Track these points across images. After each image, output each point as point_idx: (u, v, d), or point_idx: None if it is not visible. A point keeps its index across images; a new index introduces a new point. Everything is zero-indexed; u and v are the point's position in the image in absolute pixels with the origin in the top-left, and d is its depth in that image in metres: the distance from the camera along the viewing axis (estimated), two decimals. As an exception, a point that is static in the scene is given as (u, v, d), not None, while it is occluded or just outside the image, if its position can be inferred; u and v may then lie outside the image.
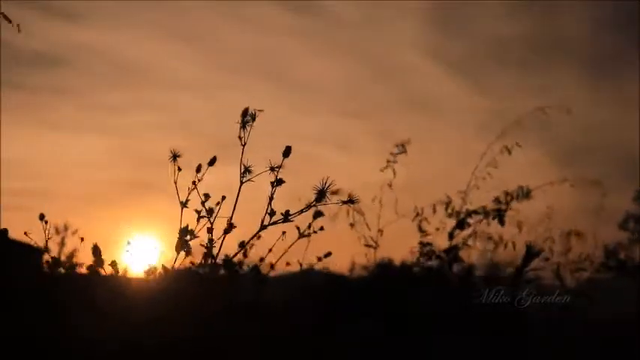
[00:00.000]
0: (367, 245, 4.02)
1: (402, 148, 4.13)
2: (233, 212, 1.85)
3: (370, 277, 4.40)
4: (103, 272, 1.85)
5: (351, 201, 1.69)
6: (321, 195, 1.68)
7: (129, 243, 1.94)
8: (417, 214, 4.00)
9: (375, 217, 4.03)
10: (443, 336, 3.48)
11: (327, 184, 1.66)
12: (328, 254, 2.49)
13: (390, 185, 4.09)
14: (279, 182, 1.79)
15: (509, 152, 4.07)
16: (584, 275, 4.25)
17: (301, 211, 1.74)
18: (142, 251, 1.94)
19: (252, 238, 1.87)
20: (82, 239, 2.00)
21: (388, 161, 4.13)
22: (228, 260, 1.89)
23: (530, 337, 3.67)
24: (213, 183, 1.90)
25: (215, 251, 1.90)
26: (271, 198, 1.80)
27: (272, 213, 1.81)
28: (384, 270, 4.33)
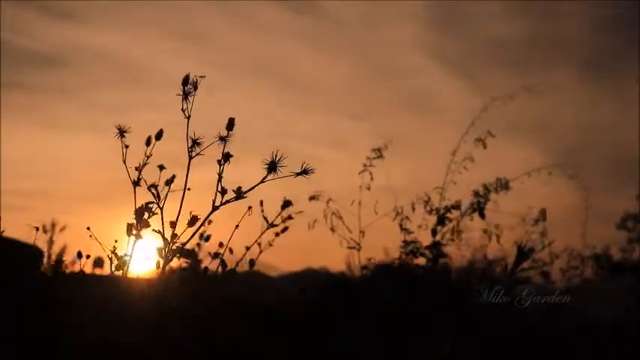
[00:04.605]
0: (350, 247, 4.02)
1: (379, 153, 4.13)
2: (184, 191, 1.75)
3: (369, 277, 4.40)
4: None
5: (305, 171, 1.59)
6: (272, 167, 1.59)
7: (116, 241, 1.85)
8: (398, 214, 3.99)
9: (356, 220, 4.02)
10: (442, 336, 3.48)
11: (277, 156, 1.58)
12: (285, 229, 2.49)
13: (368, 188, 4.08)
14: (226, 157, 1.68)
15: (484, 145, 4.01)
16: (575, 274, 4.25)
17: (254, 187, 1.65)
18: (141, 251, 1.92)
19: (204, 220, 1.76)
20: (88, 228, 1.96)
21: (365, 165, 4.13)
22: (182, 249, 1.74)
23: (530, 337, 3.67)
24: (210, 180, 1.85)
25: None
26: (220, 176, 1.69)
27: (223, 192, 1.70)
28: (382, 270, 4.33)
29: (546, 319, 3.78)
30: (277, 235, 2.57)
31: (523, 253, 3.44)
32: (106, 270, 1.87)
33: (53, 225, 5.18)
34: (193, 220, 1.89)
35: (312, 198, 4.03)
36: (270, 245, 2.61)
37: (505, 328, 3.58)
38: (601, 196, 4.25)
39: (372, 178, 4.11)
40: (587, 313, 4.24)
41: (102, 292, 2.00)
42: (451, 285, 3.98)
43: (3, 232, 2.07)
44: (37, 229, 1.93)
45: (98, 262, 2.81)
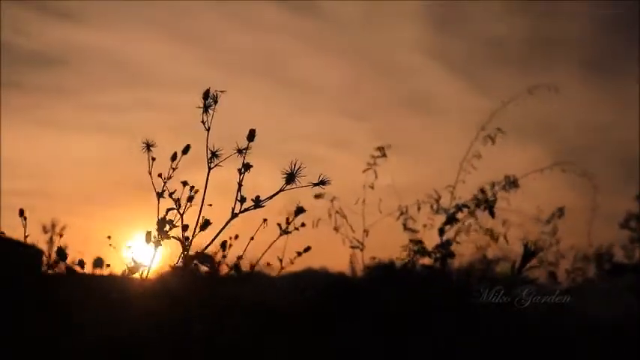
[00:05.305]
0: (353, 247, 4.01)
1: (382, 152, 4.15)
2: (203, 201, 1.79)
3: (369, 277, 4.40)
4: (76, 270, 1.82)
5: (322, 182, 1.63)
6: (290, 178, 1.62)
7: (129, 246, 1.89)
8: (402, 213, 3.98)
9: (360, 219, 4.01)
10: (442, 336, 3.49)
11: (296, 167, 1.61)
12: (307, 249, 2.51)
13: (371, 187, 4.09)
14: (246, 167, 1.72)
15: (493, 141, 3.99)
16: (579, 274, 4.25)
17: (272, 196, 1.68)
18: (143, 251, 1.92)
19: (223, 227, 1.79)
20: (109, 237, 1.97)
21: (369, 164, 4.14)
22: (201, 254, 1.80)
23: (530, 337, 3.68)
24: (220, 181, 1.86)
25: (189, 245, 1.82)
26: (240, 184, 1.74)
27: (242, 200, 1.74)
28: (384, 270, 4.32)
29: (546, 319, 3.78)
30: (299, 254, 2.58)
31: (530, 252, 3.43)
32: (106, 270, 1.87)
33: (53, 225, 5.17)
34: (206, 225, 1.94)
35: (317, 196, 4.04)
36: (292, 263, 2.64)
37: (505, 328, 3.58)
38: (603, 196, 4.23)
39: (376, 177, 4.12)
40: (587, 313, 4.24)
41: (102, 292, 2.00)
42: (451, 285, 3.98)
43: (3, 233, 2.08)
44: (46, 231, 1.94)
45: (98, 262, 2.81)
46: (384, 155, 4.14)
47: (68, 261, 1.83)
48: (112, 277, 1.88)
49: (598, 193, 4.14)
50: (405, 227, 3.97)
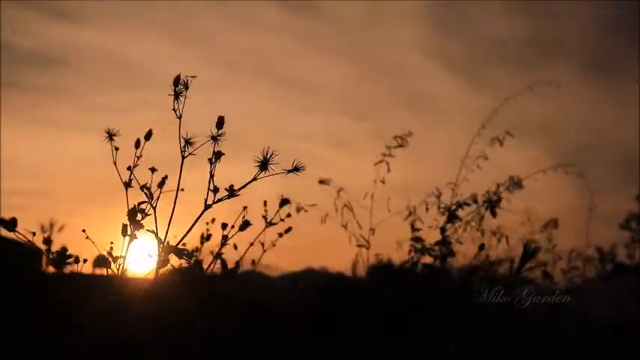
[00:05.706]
0: (359, 245, 3.89)
1: (402, 140, 3.90)
2: (177, 190, 1.75)
3: (370, 276, 4.40)
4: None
5: (296, 169, 1.59)
6: (263, 165, 1.59)
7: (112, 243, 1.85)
8: (410, 213, 3.85)
9: (367, 216, 3.89)
10: (442, 336, 3.49)
11: (269, 154, 1.58)
12: (289, 229, 2.49)
13: (382, 181, 3.91)
14: (217, 156, 1.68)
15: (501, 143, 3.92)
16: (576, 274, 4.25)
17: (246, 185, 1.65)
18: (141, 251, 1.91)
19: (197, 219, 1.74)
20: (84, 230, 1.96)
21: (384, 155, 3.93)
22: (174, 248, 1.73)
23: (530, 337, 3.68)
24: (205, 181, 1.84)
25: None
26: (212, 175, 1.70)
27: (215, 190, 1.71)
28: (384, 270, 4.31)
29: (546, 319, 3.77)
30: (280, 235, 2.56)
31: (529, 252, 3.43)
32: (105, 270, 1.87)
33: (52, 225, 5.16)
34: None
35: (321, 182, 3.89)
36: (273, 246, 2.61)
37: (505, 328, 3.58)
38: (602, 196, 4.24)
39: (388, 170, 3.91)
40: (587, 313, 4.24)
41: (102, 292, 2.00)
42: (451, 285, 3.97)
43: None
44: (34, 234, 1.93)
45: (99, 262, 2.81)
46: (402, 145, 3.90)
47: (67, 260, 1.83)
48: (111, 277, 1.88)
49: (596, 194, 4.15)
50: (413, 228, 3.83)
